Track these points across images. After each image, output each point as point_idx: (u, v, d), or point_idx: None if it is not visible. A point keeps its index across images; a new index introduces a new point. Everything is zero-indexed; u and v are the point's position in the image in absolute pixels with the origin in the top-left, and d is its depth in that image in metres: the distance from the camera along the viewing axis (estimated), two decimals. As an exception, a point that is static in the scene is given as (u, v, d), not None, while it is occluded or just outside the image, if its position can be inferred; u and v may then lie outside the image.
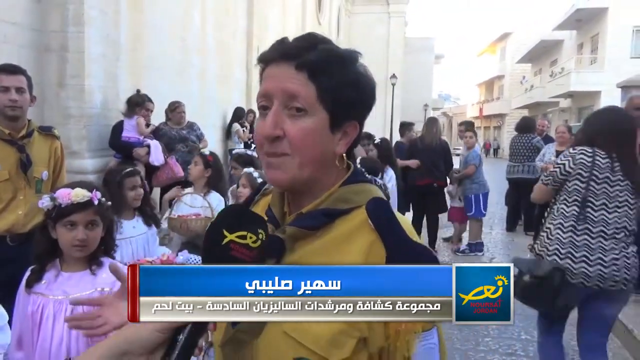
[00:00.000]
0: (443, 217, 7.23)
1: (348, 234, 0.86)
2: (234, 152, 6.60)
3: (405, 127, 8.17)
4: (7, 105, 2.59)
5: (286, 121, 0.85)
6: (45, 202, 1.82)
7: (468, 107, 55.13)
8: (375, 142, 5.13)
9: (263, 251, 0.78)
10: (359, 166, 1.02)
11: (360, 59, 0.92)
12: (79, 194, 1.80)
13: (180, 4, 7.69)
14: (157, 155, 5.34)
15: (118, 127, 5.36)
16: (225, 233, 0.75)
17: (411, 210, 6.85)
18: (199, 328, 0.71)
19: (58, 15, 5.21)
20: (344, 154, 0.94)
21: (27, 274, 1.92)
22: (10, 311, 2.52)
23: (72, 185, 1.88)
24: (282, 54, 0.87)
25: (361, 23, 24.75)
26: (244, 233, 0.76)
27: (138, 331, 0.68)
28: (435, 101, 39.04)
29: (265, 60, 0.89)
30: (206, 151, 3.73)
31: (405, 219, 0.90)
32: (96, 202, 1.84)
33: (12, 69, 2.68)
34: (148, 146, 5.29)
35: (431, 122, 6.79)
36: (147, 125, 5.45)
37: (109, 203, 1.99)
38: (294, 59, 0.85)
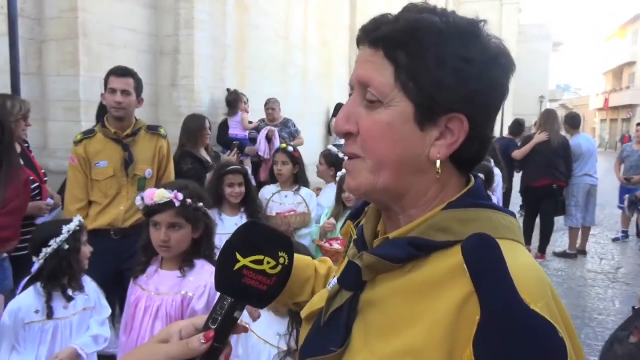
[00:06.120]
0: (558, 221, 6.58)
1: (441, 278, 0.63)
2: (327, 147, 6.63)
3: (520, 127, 7.70)
4: (113, 106, 2.75)
5: (362, 114, 0.69)
6: (138, 200, 1.89)
7: (591, 98, 50.33)
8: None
9: (286, 278, 0.67)
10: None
11: (483, 32, 0.71)
12: (160, 195, 1.81)
13: (283, 3, 7.85)
14: (264, 146, 5.51)
15: (223, 125, 5.63)
16: (239, 257, 0.65)
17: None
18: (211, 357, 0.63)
19: (171, 20, 5.57)
20: (456, 162, 0.70)
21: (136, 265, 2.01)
22: (112, 299, 2.70)
23: (161, 186, 1.94)
24: (361, 32, 0.71)
25: (471, 13, 23.34)
26: (261, 257, 0.65)
27: (151, 357, 0.64)
28: (552, 92, 36.28)
29: (357, 43, 0.73)
30: (290, 148, 3.64)
31: (527, 268, 0.62)
32: (177, 204, 1.83)
33: (122, 72, 2.81)
34: (255, 138, 5.49)
35: (552, 118, 6.13)
36: (250, 121, 5.63)
37: (200, 204, 1.98)
38: (369, 35, 0.69)
